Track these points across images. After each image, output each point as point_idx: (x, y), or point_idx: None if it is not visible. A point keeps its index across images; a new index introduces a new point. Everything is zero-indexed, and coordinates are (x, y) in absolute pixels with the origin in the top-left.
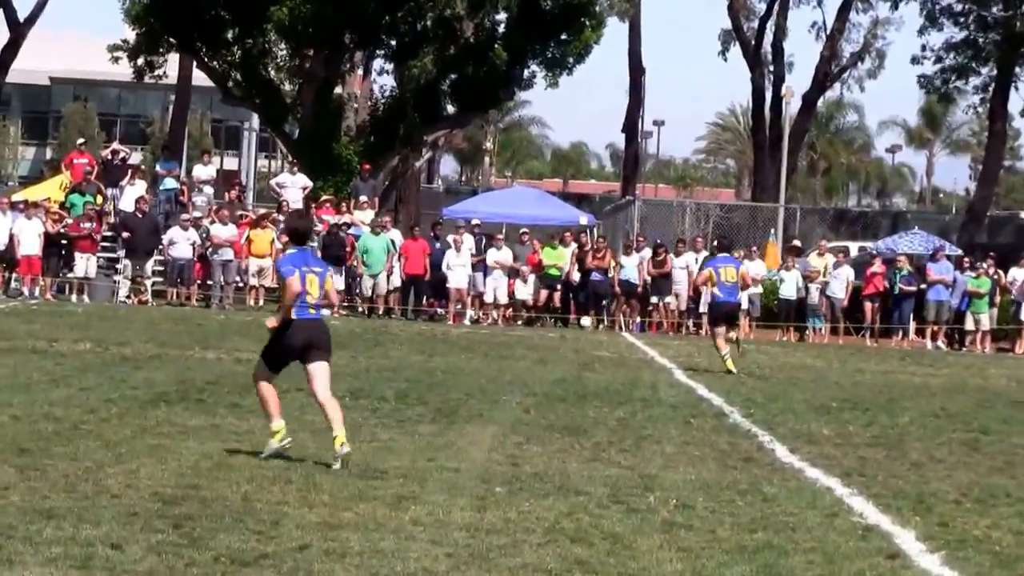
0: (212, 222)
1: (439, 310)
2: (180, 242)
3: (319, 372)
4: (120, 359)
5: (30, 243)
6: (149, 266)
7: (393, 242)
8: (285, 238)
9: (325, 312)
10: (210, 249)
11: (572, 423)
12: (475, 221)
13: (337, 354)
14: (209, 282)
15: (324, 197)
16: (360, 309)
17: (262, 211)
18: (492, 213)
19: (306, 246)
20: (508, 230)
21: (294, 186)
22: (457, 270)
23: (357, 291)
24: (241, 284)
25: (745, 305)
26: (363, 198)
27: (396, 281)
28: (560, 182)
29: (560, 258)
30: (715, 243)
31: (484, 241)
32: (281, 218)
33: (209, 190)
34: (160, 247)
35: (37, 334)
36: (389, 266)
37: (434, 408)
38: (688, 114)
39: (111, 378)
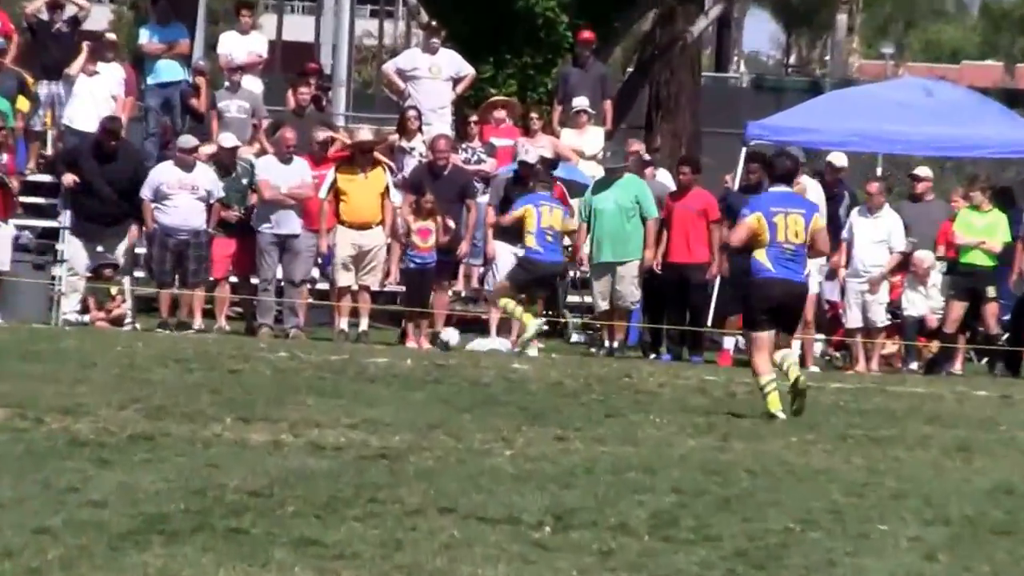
0: (259, 154)
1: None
2: (181, 195)
3: None
4: (67, 444)
5: None
6: (122, 249)
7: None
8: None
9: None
10: (255, 213)
11: None
12: (835, 157)
13: (527, 431)
14: (253, 281)
15: (496, 99)
16: (577, 337)
17: (365, 131)
18: (852, 134)
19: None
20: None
21: (434, 75)
22: None
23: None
24: (318, 283)
25: None
26: (580, 102)
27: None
28: (1000, 66)
29: (990, 232)
30: (756, 163)
31: (847, 199)
32: (409, 144)
33: (255, 85)
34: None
35: None
36: (653, 255)
37: (731, 551)
38: None
39: (48, 486)
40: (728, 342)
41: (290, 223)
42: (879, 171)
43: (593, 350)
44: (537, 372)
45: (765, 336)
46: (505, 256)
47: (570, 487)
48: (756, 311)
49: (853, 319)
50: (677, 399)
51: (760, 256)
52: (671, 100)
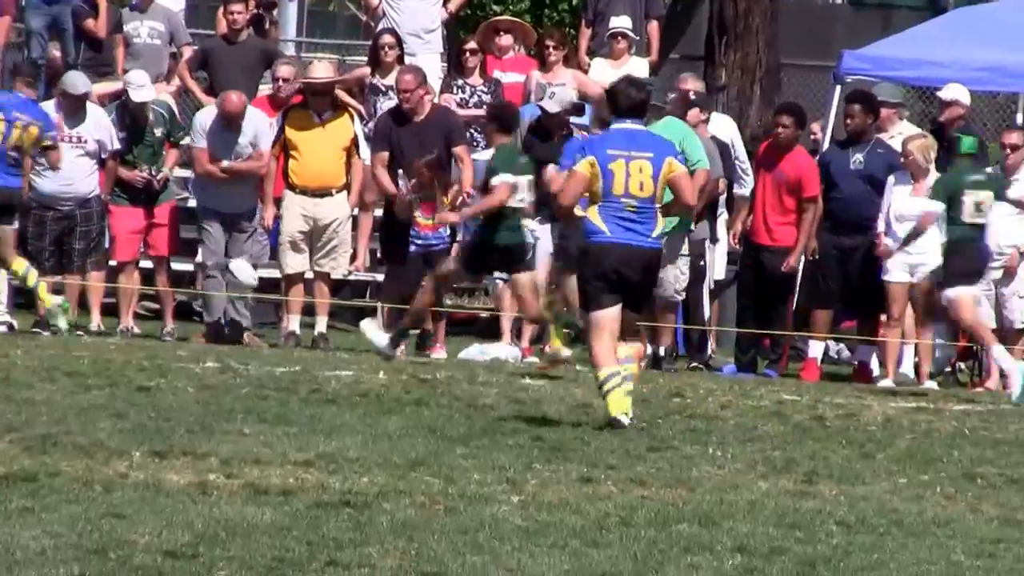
0: (179, 94)
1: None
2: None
3: None
4: None
5: None
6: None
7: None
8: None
9: None
10: (191, 183)
11: None
12: (951, 90)
13: (541, 469)
14: (179, 267)
15: (498, 19)
16: None
17: (322, 65)
18: (984, 68)
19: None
20: None
21: None
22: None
23: None
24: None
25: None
26: (621, 22)
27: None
28: None
29: None
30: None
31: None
32: (385, 82)
33: (174, 1)
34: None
35: None
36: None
37: None
38: None
39: None
40: (815, 349)
41: (240, 199)
42: (1020, 118)
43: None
44: (556, 390)
45: (606, 316)
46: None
47: (599, 545)
48: (591, 285)
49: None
50: (744, 426)
51: (592, 215)
52: (740, 21)
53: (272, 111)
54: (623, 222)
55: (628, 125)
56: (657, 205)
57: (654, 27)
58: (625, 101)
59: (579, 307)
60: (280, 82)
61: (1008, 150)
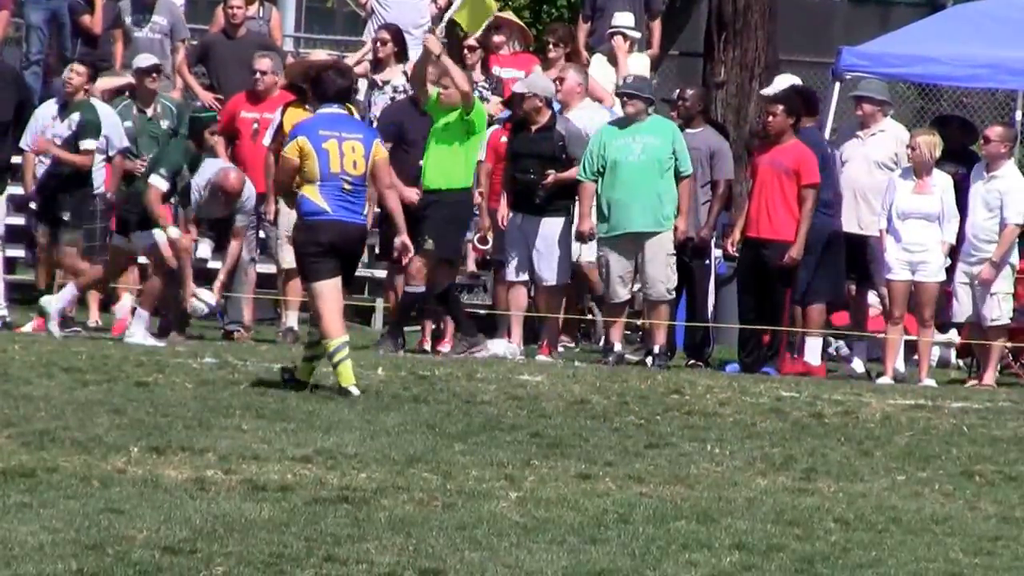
0: (183, 92)
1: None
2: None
3: None
4: None
5: None
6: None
7: (713, 152)
8: None
9: None
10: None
11: None
12: None
13: (539, 466)
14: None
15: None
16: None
17: (322, 54)
18: (982, 65)
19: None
20: None
21: None
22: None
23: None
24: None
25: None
26: (623, 19)
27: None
28: None
29: None
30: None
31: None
32: (383, 77)
33: None
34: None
35: None
36: (686, 226)
37: None
38: None
39: None
40: (812, 346)
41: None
42: (1019, 115)
43: (630, 357)
44: (554, 387)
45: (331, 286)
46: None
47: (598, 542)
48: (314, 259)
49: (960, 312)
50: (743, 423)
51: (313, 194)
52: (739, 18)
53: (251, 105)
54: (341, 200)
55: (335, 109)
56: (368, 185)
57: (656, 23)
58: (331, 87)
59: (301, 279)
60: (259, 74)
61: (988, 145)
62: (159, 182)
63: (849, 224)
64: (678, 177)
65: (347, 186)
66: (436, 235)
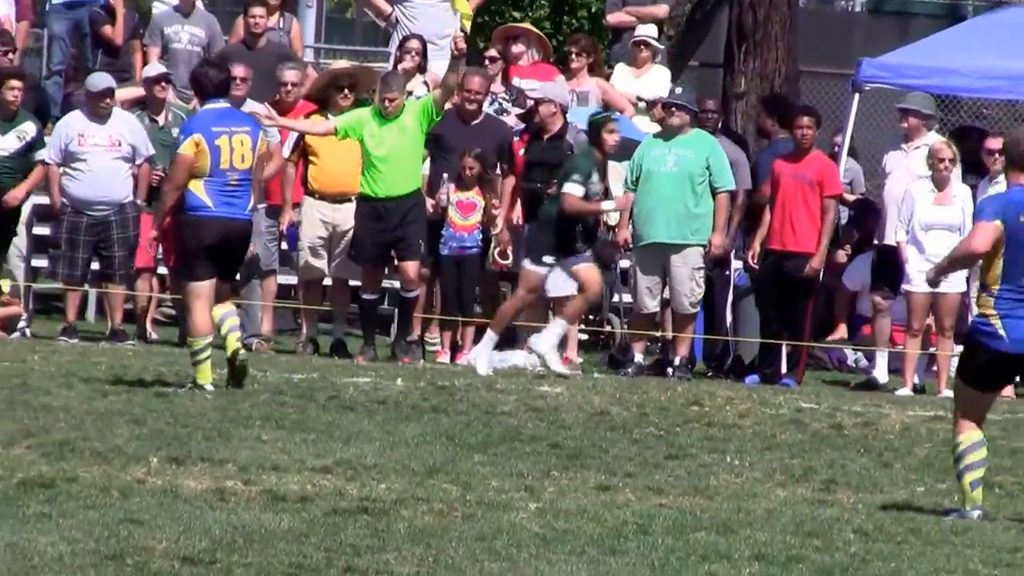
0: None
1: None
2: (97, 154)
3: None
4: None
5: None
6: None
7: (736, 164)
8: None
9: None
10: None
11: None
12: None
13: (558, 477)
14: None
15: (509, 26)
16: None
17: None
18: (1003, 76)
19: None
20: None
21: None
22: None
23: (614, 299)
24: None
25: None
26: (644, 30)
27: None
28: None
29: None
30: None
31: None
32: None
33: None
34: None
35: None
36: (724, 234)
37: None
38: None
39: None
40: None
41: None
42: None
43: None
44: (574, 398)
45: (205, 287)
46: None
47: (617, 553)
48: (193, 257)
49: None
50: (763, 434)
51: (198, 189)
52: (759, 29)
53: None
54: (225, 196)
55: (221, 104)
56: (252, 178)
57: None
58: (209, 83)
59: (178, 275)
60: (288, 86)
61: (993, 156)
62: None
63: (890, 236)
64: (715, 192)
65: (233, 181)
66: (423, 237)
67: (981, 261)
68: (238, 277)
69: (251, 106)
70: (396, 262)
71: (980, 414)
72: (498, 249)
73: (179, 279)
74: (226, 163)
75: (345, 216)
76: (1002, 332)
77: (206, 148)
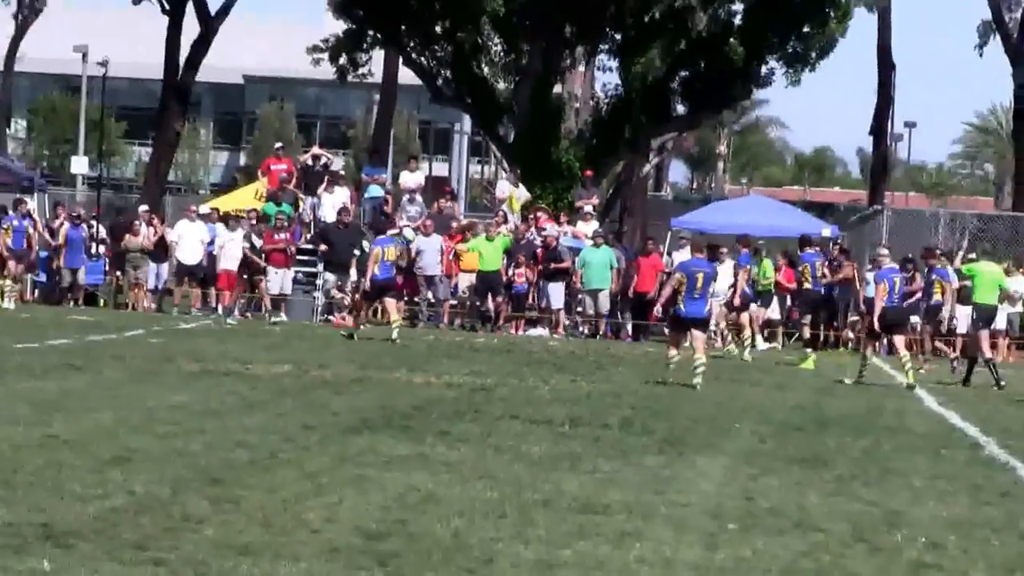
0: (417, 232)
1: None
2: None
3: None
4: (319, 383)
5: (232, 256)
6: (350, 281)
7: (619, 258)
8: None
9: None
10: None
11: (811, 454)
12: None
13: (556, 377)
14: (417, 299)
15: (538, 205)
16: (581, 329)
17: (468, 223)
18: (724, 224)
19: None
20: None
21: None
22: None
23: (578, 309)
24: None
25: (1002, 325)
26: (586, 208)
27: (604, 304)
28: (801, 190)
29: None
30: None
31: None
32: (496, 230)
33: (419, 200)
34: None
35: (230, 355)
36: (617, 284)
37: (660, 438)
38: (943, 115)
39: (310, 403)
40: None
41: (430, 269)
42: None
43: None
44: (562, 343)
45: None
46: None
47: (578, 404)
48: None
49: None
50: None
51: None
52: (632, 205)
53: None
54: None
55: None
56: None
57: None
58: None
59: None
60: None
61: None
62: None
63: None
64: (612, 268)
65: None
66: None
67: None
68: None
69: None
70: None
71: None
72: None
73: None
74: None
75: None
76: None
77: None
